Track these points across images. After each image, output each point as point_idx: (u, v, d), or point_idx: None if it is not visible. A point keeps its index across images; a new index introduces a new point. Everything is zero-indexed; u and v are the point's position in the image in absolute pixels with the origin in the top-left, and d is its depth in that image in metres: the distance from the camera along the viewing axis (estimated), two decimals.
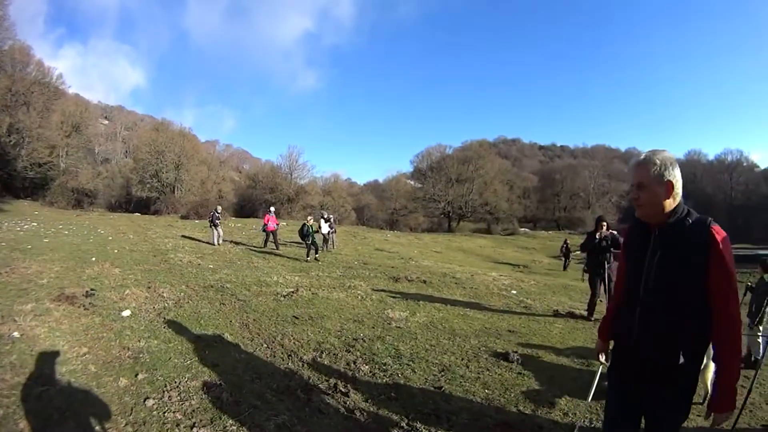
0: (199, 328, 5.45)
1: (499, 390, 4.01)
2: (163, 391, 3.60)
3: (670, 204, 1.86)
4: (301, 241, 13.95)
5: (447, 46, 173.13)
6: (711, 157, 66.25)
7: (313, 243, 13.20)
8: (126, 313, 5.75)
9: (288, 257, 13.92)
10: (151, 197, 40.37)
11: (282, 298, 7.42)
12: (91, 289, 6.82)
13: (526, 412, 3.64)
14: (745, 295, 5.85)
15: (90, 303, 6.06)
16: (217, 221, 15.67)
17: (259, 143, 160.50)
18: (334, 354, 4.68)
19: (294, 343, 5.05)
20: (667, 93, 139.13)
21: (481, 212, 60.00)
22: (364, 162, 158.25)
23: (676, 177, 1.85)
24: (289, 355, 4.61)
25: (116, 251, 11.66)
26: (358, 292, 8.37)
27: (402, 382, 4.03)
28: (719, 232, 1.75)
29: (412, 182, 63.55)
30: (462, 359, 4.83)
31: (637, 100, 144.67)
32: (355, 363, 4.43)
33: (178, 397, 3.51)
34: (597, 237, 7.52)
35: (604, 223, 7.62)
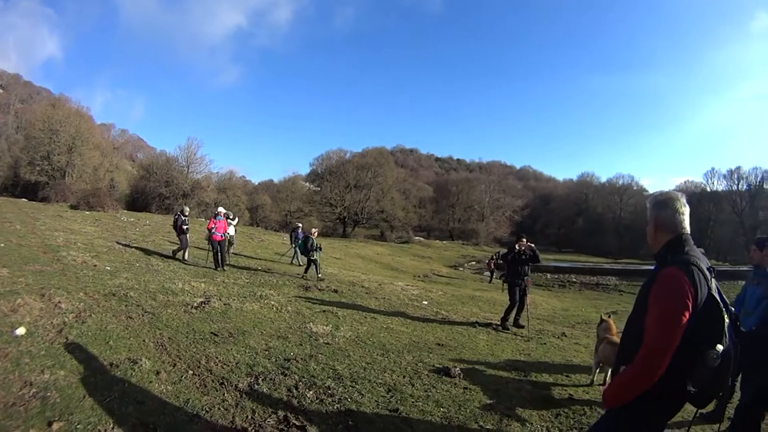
0: (110, 351, 4.61)
1: (454, 407, 4.02)
2: None
3: (657, 239, 2.14)
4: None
5: (366, 59, 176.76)
6: (603, 180, 76.75)
7: (315, 260, 12.39)
8: (20, 331, 4.72)
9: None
10: (40, 181, 37.24)
11: (193, 310, 6.79)
12: None
13: (488, 427, 3.71)
14: None
15: None
16: (185, 227, 12.92)
17: (158, 132, 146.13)
18: (270, 379, 4.25)
19: (222, 367, 4.50)
20: (565, 118, 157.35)
21: (377, 219, 62.05)
22: (260, 160, 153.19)
23: (659, 215, 2.13)
24: (222, 383, 4.07)
25: (2, 245, 10.39)
26: (272, 302, 7.99)
27: (354, 407, 3.80)
28: (667, 273, 1.93)
29: (308, 184, 63.48)
30: (404, 377, 4.76)
31: (536, 121, 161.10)
32: (296, 388, 4.07)
33: None
34: (517, 249, 8.22)
35: (524, 239, 8.41)
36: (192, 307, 6.97)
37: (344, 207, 58.94)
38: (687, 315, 1.82)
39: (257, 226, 45.81)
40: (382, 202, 61.08)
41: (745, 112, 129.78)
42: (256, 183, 68.28)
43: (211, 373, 4.30)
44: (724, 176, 63.33)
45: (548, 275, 27.26)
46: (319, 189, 61.91)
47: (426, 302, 10.83)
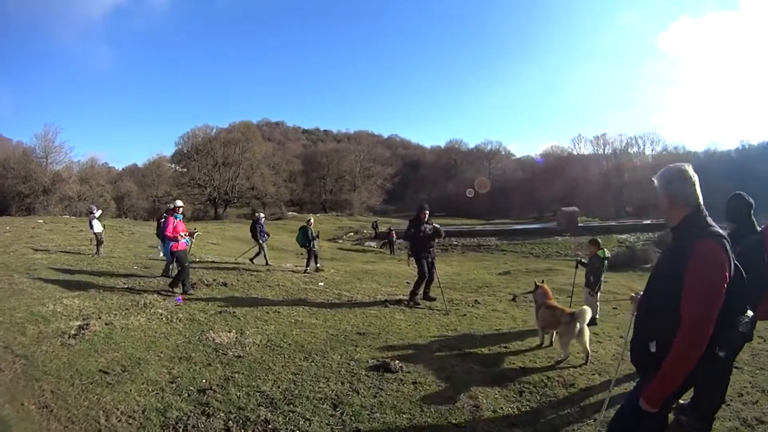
0: None
1: (415, 410, 3.58)
2: None
3: (674, 213, 2.09)
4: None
5: (234, 35, 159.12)
6: (472, 146, 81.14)
7: (315, 251, 12.43)
8: None
9: (57, 268, 9.89)
10: None
11: (72, 341, 5.18)
12: None
13: (461, 423, 3.39)
14: (576, 268, 7.15)
15: None
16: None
17: (24, 126, 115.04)
18: (193, 426, 3.24)
19: (128, 422, 3.32)
20: (428, 87, 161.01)
21: (248, 197, 59.83)
22: (127, 144, 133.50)
23: (671, 190, 2.08)
24: None
25: None
26: (159, 311, 6.58)
27: None
28: (705, 248, 1.91)
29: (174, 166, 58.35)
30: (343, 383, 4.16)
31: (400, 91, 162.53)
32: (229, 431, 3.19)
33: None
34: (422, 230, 7.96)
35: (426, 209, 8.18)
36: (69, 336, 5.36)
37: (214, 187, 55.71)
38: (725, 286, 1.87)
39: (125, 217, 40.90)
40: (252, 179, 58.74)
41: (609, 85, 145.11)
42: (120, 169, 60.93)
43: None
44: (591, 141, 70.61)
45: None
46: (186, 170, 57.40)
47: (322, 283, 10.26)
